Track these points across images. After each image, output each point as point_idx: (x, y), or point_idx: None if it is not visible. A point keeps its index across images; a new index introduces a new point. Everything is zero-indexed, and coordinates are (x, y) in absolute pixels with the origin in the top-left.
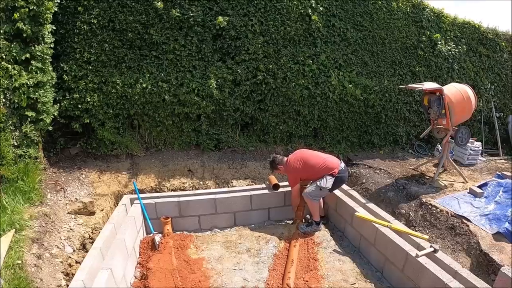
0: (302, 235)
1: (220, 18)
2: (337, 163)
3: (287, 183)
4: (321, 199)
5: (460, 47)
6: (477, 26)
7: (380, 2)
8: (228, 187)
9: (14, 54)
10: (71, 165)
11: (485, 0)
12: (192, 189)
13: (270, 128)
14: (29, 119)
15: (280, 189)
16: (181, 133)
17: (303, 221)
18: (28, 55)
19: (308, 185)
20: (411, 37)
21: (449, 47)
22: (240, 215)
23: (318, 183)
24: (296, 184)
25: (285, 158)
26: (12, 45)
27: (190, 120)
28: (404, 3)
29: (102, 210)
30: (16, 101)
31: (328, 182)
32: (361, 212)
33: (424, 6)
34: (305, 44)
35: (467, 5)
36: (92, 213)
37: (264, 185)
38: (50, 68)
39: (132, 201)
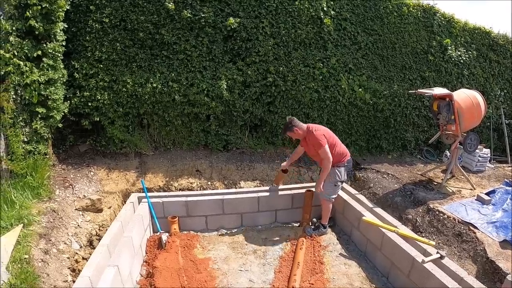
0: (308, 238)
1: (231, 20)
2: (347, 151)
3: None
4: None
5: (470, 52)
6: (487, 32)
7: (391, 7)
8: (236, 188)
9: (26, 51)
10: (80, 162)
11: (494, 0)
12: (200, 189)
13: (279, 130)
14: (39, 116)
15: (287, 192)
16: (190, 133)
17: (310, 224)
18: (39, 52)
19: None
20: (421, 42)
21: (459, 53)
22: (247, 216)
23: (331, 178)
24: (326, 144)
25: (303, 124)
26: (24, 42)
27: (199, 121)
28: (415, 7)
29: (109, 207)
30: (27, 97)
31: (342, 174)
32: (368, 217)
33: (435, 11)
34: (316, 47)
35: (474, 6)
36: (100, 210)
37: (272, 187)
38: (61, 66)
39: (140, 199)
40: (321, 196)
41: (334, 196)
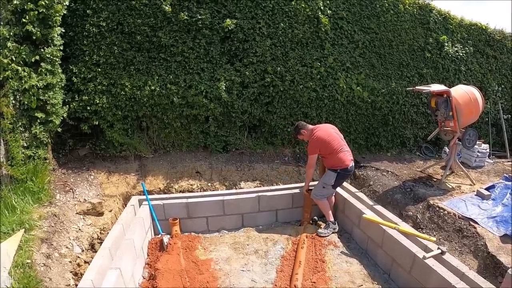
0: (309, 236)
1: (228, 21)
2: (348, 160)
3: None
4: (331, 201)
5: (467, 48)
6: (484, 28)
7: (387, 5)
8: (236, 188)
9: (24, 56)
10: (79, 166)
11: (492, 0)
12: (200, 191)
13: (278, 130)
14: (38, 121)
15: (287, 191)
16: (189, 135)
17: (311, 222)
18: (37, 57)
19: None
20: (418, 39)
21: (456, 49)
22: (248, 216)
23: (322, 179)
24: (314, 154)
25: (310, 126)
26: (21, 48)
27: (198, 122)
28: (411, 5)
29: (110, 211)
30: (26, 102)
31: (331, 179)
32: (368, 214)
33: (431, 8)
34: (313, 47)
35: (471, 7)
36: (101, 214)
37: (272, 187)
38: (60, 70)
39: (140, 202)
40: (311, 195)
41: (321, 196)
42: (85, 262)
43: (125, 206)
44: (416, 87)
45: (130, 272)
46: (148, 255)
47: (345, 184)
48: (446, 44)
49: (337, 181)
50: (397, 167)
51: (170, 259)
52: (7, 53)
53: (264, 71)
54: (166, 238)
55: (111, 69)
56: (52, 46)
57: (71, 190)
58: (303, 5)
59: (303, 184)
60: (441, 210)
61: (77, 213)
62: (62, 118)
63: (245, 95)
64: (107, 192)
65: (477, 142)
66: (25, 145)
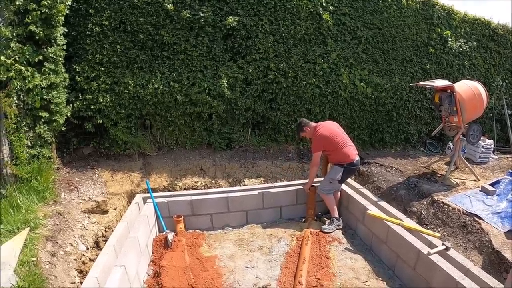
0: (313, 233)
1: (231, 18)
2: (354, 154)
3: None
4: (337, 196)
5: (470, 43)
6: (487, 22)
7: (390, 0)
8: (240, 185)
9: (27, 56)
10: (84, 164)
11: (491, 0)
12: (204, 188)
13: (282, 127)
14: (42, 120)
15: (291, 188)
16: (193, 132)
17: (315, 219)
18: (41, 57)
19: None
20: (421, 35)
21: (459, 44)
22: (252, 213)
23: (329, 174)
24: (319, 151)
25: (313, 123)
26: (25, 48)
27: (201, 120)
28: (414, 0)
29: (115, 209)
30: (29, 102)
31: (338, 174)
32: (372, 210)
33: (434, 3)
34: (316, 43)
35: (471, 6)
36: (105, 212)
37: (276, 184)
38: (63, 70)
39: (145, 200)
40: (318, 190)
41: (328, 191)
42: (90, 259)
43: (130, 204)
44: (420, 83)
45: (134, 269)
46: (152, 253)
47: (349, 180)
48: (449, 39)
49: (344, 175)
50: (401, 163)
51: (174, 256)
52: (10, 53)
53: (267, 68)
54: (170, 236)
55: (114, 67)
56: (55, 46)
57: (75, 189)
58: (305, 1)
59: (307, 180)
60: (446, 206)
61: (82, 212)
62: (66, 117)
63: (248, 92)
64: (111, 190)
65: (482, 138)
66: (30, 144)
